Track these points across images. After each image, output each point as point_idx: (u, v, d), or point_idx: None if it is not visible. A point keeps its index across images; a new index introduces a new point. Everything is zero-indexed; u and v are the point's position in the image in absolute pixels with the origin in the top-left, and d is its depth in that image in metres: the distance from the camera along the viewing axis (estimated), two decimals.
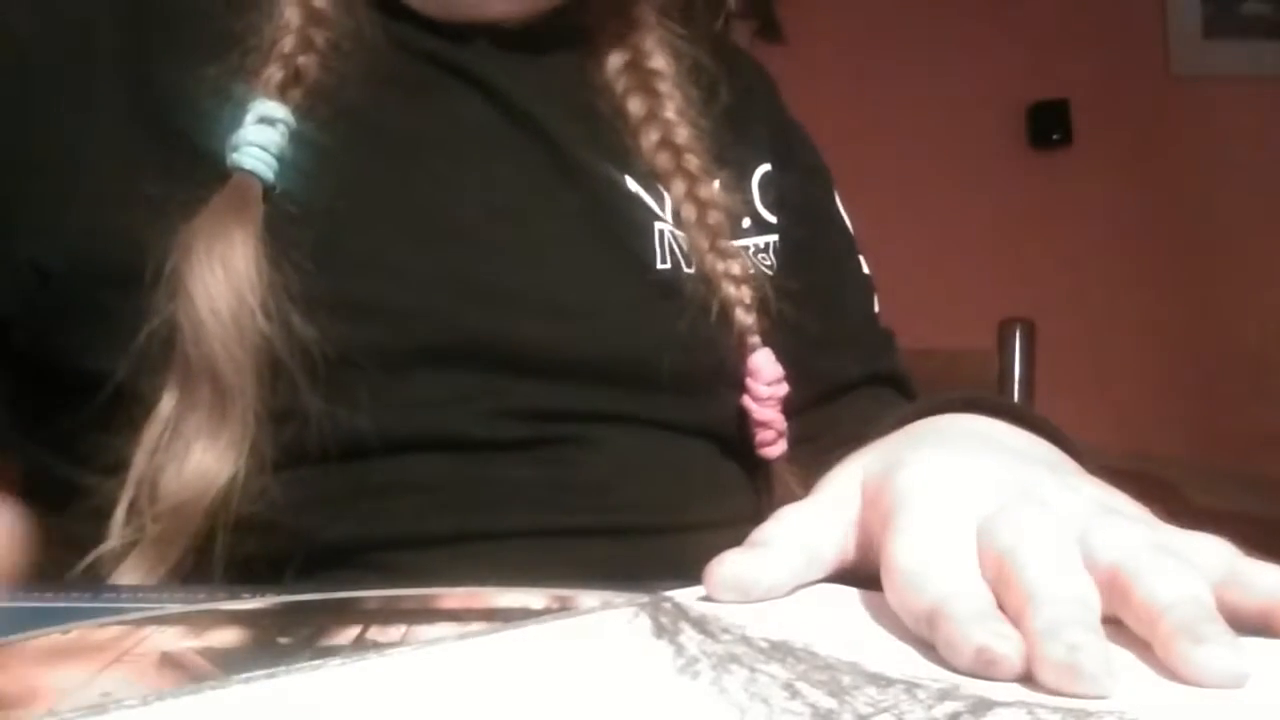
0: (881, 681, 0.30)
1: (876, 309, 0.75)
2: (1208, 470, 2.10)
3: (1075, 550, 0.35)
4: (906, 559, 0.36)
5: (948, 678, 0.31)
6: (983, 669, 0.31)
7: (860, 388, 0.70)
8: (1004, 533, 0.35)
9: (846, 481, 0.43)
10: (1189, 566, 0.34)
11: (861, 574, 0.41)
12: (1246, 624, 0.33)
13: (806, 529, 0.41)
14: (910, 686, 0.30)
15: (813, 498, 0.44)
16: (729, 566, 0.38)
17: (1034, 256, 2.44)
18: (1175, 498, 1.83)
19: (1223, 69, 2.52)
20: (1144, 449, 2.13)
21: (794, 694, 0.29)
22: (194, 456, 0.51)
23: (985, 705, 0.29)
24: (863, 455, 0.45)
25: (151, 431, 0.52)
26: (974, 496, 0.38)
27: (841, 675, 0.31)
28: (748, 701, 0.29)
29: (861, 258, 0.75)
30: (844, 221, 0.75)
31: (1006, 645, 0.31)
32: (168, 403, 0.52)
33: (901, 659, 0.33)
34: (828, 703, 0.29)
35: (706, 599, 0.38)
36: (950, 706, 0.29)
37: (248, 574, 0.51)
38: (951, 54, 2.46)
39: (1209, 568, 0.35)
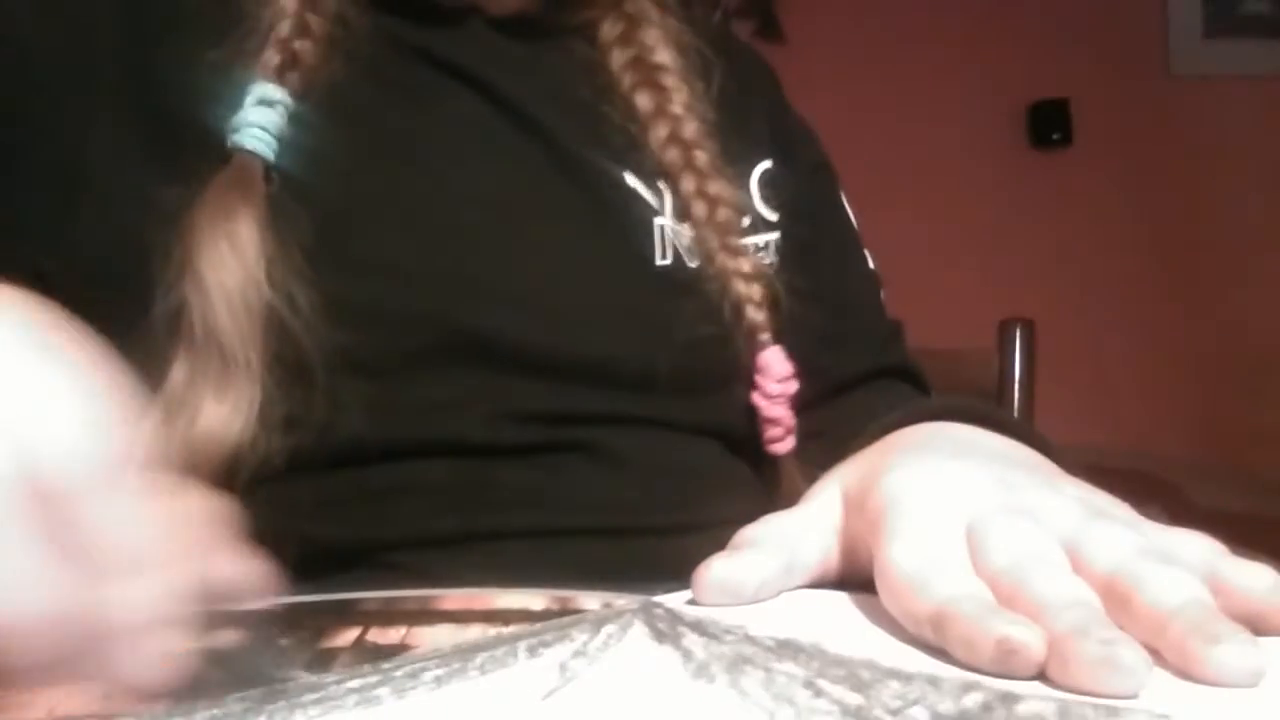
0: (901, 675, 0.30)
1: (883, 302, 0.74)
2: (1207, 470, 2.10)
3: (1067, 560, 0.35)
4: (904, 563, 0.35)
5: (965, 674, 0.31)
6: (1003, 660, 0.30)
7: (869, 382, 0.70)
8: (997, 550, 0.35)
9: (827, 491, 0.43)
10: (1184, 569, 0.34)
11: (845, 581, 0.41)
12: None
13: (790, 530, 0.41)
14: (932, 679, 0.30)
15: (796, 506, 0.44)
16: (716, 570, 0.38)
17: (1034, 256, 2.44)
18: (1175, 497, 1.83)
19: (1223, 68, 2.52)
20: (1144, 448, 2.13)
21: (818, 692, 0.29)
22: (203, 416, 0.51)
23: (1013, 696, 0.28)
24: (842, 467, 0.45)
25: (161, 400, 0.52)
26: (959, 499, 0.38)
27: (859, 670, 0.30)
28: (772, 703, 0.28)
29: (867, 252, 0.74)
30: (848, 216, 0.74)
31: (1028, 634, 0.31)
32: (178, 373, 0.52)
33: (907, 657, 0.32)
34: (854, 698, 0.28)
35: (695, 604, 0.38)
36: (978, 696, 0.28)
37: None
38: (951, 54, 2.46)
39: (1195, 566, 0.35)
